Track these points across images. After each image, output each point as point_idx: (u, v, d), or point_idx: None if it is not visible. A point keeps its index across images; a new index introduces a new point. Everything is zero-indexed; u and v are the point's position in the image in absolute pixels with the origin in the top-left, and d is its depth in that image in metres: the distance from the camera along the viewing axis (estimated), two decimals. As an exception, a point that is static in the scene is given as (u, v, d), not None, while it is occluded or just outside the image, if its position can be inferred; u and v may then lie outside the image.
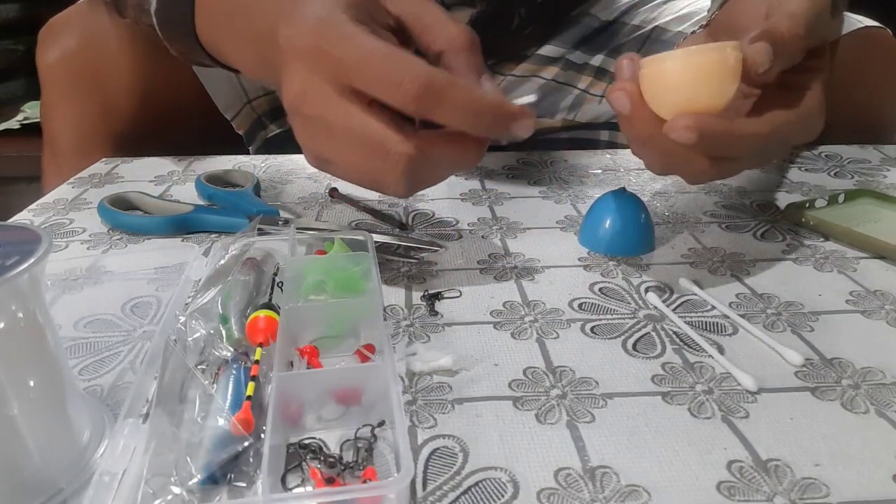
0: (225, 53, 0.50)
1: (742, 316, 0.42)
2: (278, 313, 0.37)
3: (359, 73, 0.36)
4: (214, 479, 0.29)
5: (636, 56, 0.41)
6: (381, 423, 0.33)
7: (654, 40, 0.78)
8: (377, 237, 0.49)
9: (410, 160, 0.37)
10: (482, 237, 0.54)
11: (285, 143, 0.84)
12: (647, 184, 0.64)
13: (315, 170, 0.68)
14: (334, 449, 0.32)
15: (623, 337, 0.41)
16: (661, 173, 0.47)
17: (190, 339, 0.37)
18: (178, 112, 0.75)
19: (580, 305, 0.44)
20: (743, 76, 0.39)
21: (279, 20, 0.39)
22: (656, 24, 0.79)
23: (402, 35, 0.41)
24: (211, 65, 0.55)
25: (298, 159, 0.72)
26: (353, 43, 0.36)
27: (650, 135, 0.41)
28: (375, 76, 0.36)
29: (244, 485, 0.30)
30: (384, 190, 0.40)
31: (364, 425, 0.32)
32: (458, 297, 0.45)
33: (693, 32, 0.51)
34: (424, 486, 0.30)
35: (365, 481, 0.29)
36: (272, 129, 0.86)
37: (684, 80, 0.38)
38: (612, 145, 0.82)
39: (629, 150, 0.75)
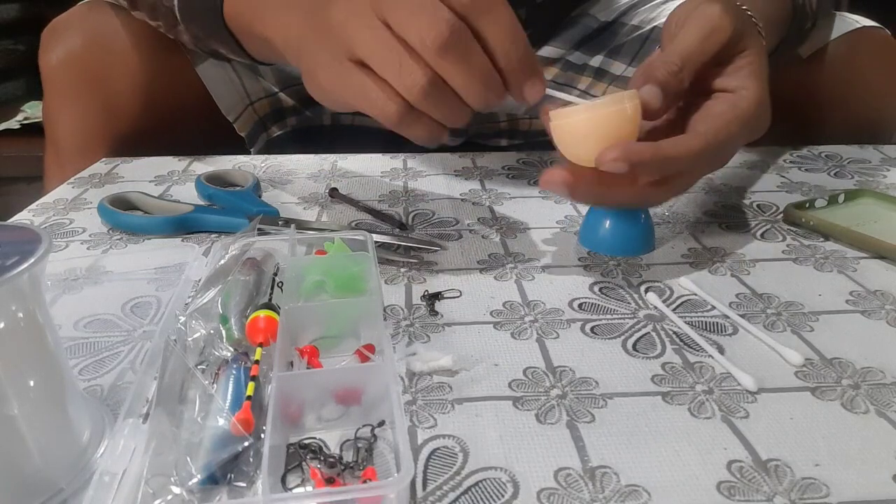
0: (261, 22, 0.51)
1: (742, 316, 0.42)
2: (278, 313, 0.37)
3: (388, 8, 0.38)
4: (214, 479, 0.29)
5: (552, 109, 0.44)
6: (381, 423, 0.33)
7: (653, 40, 0.78)
8: (377, 237, 0.49)
9: (452, 28, 0.38)
10: (482, 237, 0.54)
11: (286, 145, 0.84)
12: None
13: (315, 170, 0.68)
14: (334, 449, 0.32)
15: (623, 337, 0.41)
16: (610, 206, 0.50)
17: (190, 339, 0.37)
18: (180, 113, 0.75)
19: (580, 305, 0.44)
20: (646, 114, 0.43)
21: None
22: (655, 24, 0.79)
23: None
24: (226, 50, 0.56)
25: (298, 159, 0.72)
26: None
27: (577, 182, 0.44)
28: (406, 9, 0.38)
29: (244, 485, 0.30)
30: (405, 76, 0.39)
31: (364, 425, 0.32)
32: (458, 297, 0.45)
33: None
34: (424, 486, 0.30)
35: (365, 481, 0.29)
36: (274, 132, 0.86)
37: (589, 131, 0.42)
38: None
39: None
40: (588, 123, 0.42)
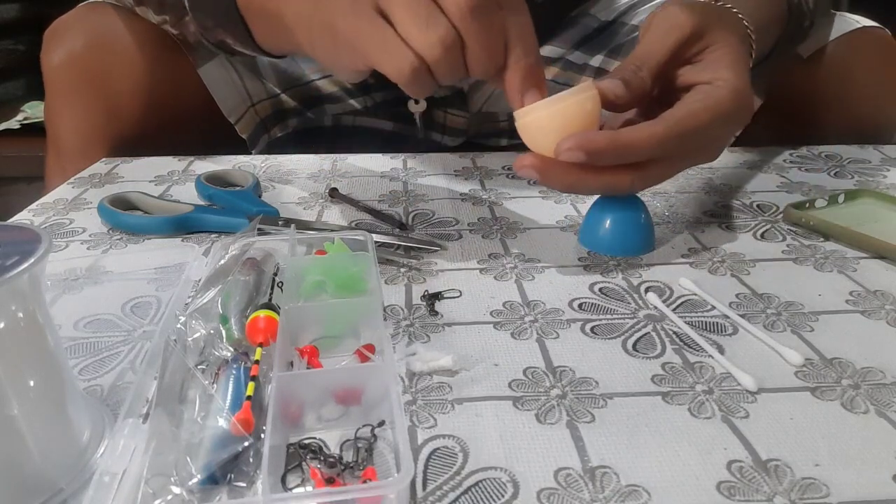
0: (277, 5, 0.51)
1: (742, 316, 0.42)
2: (278, 313, 0.37)
3: None
4: (214, 479, 0.29)
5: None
6: (381, 423, 0.33)
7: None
8: (377, 237, 0.49)
9: (443, 43, 0.40)
10: (482, 237, 0.54)
11: (287, 147, 0.84)
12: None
13: (315, 170, 0.68)
14: (334, 449, 0.32)
15: (623, 337, 0.41)
16: (585, 193, 0.51)
17: (190, 339, 0.37)
18: (181, 114, 0.75)
19: (580, 305, 0.44)
20: (606, 103, 0.45)
21: None
22: (656, 24, 0.79)
23: None
24: (233, 40, 0.56)
25: (298, 159, 0.72)
26: None
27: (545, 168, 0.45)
28: None
29: (244, 485, 0.30)
30: (430, 29, 0.40)
31: (364, 425, 0.32)
32: (458, 297, 0.45)
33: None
34: (424, 486, 0.30)
35: (365, 481, 0.29)
36: (275, 133, 0.86)
37: (552, 124, 0.43)
38: None
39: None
40: (549, 118, 0.43)
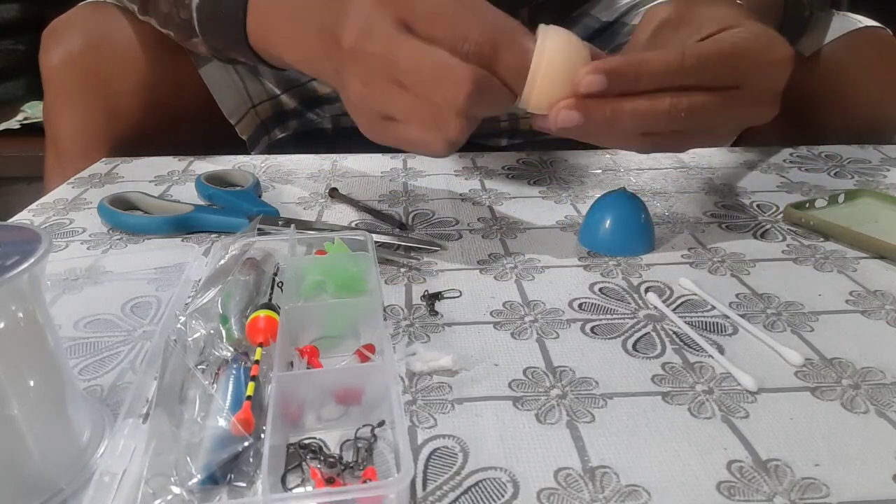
0: (279, 46, 0.53)
1: (742, 316, 0.42)
2: (278, 313, 0.37)
3: (427, 18, 0.39)
4: (214, 479, 0.29)
5: None
6: (381, 423, 0.33)
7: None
8: (377, 237, 0.49)
9: (475, 82, 0.39)
10: (482, 237, 0.54)
11: (288, 148, 0.84)
12: (647, 184, 0.64)
13: (315, 170, 0.68)
14: (334, 449, 0.32)
15: (623, 337, 0.41)
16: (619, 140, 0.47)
17: (190, 339, 0.37)
18: (181, 114, 0.75)
19: (580, 305, 0.44)
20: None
21: (339, 7, 0.43)
22: (656, 23, 0.79)
23: None
24: (247, 61, 0.57)
25: (298, 159, 0.72)
26: (404, 50, 0.39)
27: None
28: (443, 24, 0.39)
29: (244, 485, 0.30)
30: (442, 131, 0.41)
31: (364, 425, 0.32)
32: (458, 297, 0.45)
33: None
34: (424, 486, 0.30)
35: (365, 481, 0.29)
36: (276, 135, 0.86)
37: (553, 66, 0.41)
38: None
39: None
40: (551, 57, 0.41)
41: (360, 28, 0.41)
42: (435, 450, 0.32)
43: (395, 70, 0.40)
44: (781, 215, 0.57)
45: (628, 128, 0.43)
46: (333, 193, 0.62)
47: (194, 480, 0.29)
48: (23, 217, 0.58)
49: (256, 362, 0.34)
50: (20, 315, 0.28)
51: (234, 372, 0.34)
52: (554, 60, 0.41)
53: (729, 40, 0.42)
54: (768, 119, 0.45)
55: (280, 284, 0.42)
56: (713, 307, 0.44)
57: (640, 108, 0.42)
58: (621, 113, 0.42)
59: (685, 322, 0.42)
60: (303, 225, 0.53)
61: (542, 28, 0.42)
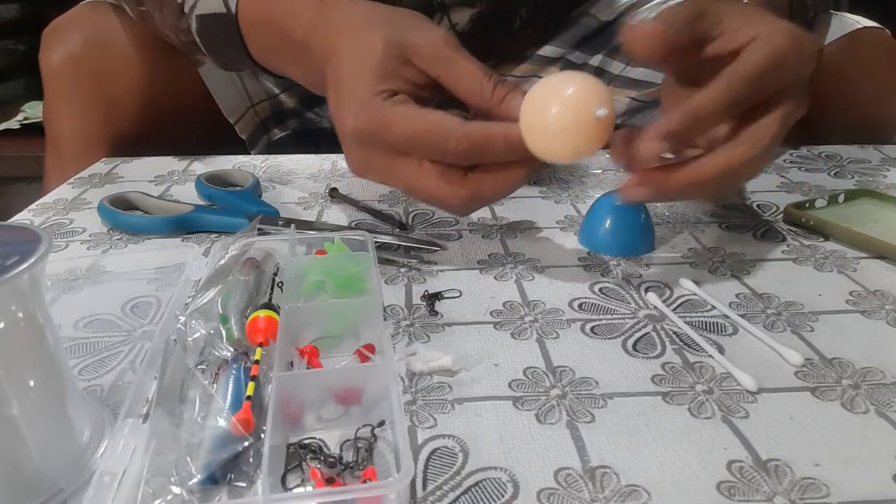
0: (281, 68, 0.55)
1: (742, 316, 0.42)
2: (278, 313, 0.37)
3: (409, 149, 0.42)
4: (214, 479, 0.29)
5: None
6: (381, 423, 0.33)
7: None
8: (377, 237, 0.49)
9: (463, 207, 0.44)
10: (482, 237, 0.54)
11: (287, 148, 0.84)
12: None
13: (315, 170, 0.68)
14: (334, 449, 0.32)
15: (623, 337, 0.41)
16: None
17: (190, 339, 0.37)
18: (181, 114, 0.75)
19: (580, 305, 0.44)
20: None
21: (326, 83, 0.46)
22: (656, 23, 0.79)
23: (434, 85, 0.44)
24: (258, 74, 0.60)
25: (298, 159, 0.72)
26: (396, 127, 0.41)
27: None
28: (423, 149, 0.42)
29: (244, 485, 0.30)
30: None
31: (364, 425, 0.32)
32: (458, 297, 0.45)
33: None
34: (424, 486, 0.30)
35: (365, 481, 0.29)
36: (275, 134, 0.86)
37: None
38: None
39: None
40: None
41: (358, 164, 0.45)
42: (435, 450, 0.32)
43: (396, 185, 0.44)
44: (781, 215, 0.57)
45: (706, 193, 0.45)
46: (333, 193, 0.62)
47: (194, 480, 0.29)
48: (23, 217, 0.58)
49: (256, 362, 0.34)
50: (20, 315, 0.28)
51: (234, 372, 0.34)
52: (544, 114, 0.39)
53: (764, 52, 0.41)
54: (804, 113, 0.44)
55: (280, 284, 0.42)
56: (713, 307, 0.44)
57: (709, 171, 0.41)
58: (695, 182, 0.41)
59: (685, 322, 0.42)
60: (303, 225, 0.53)
61: (529, 90, 0.41)
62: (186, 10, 0.57)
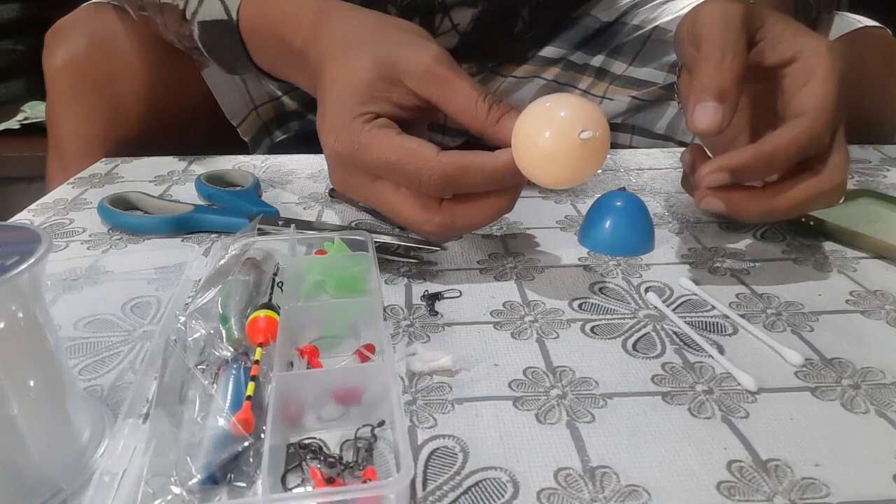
0: (285, 78, 0.56)
1: (742, 316, 0.42)
2: (278, 313, 0.37)
3: (384, 174, 0.42)
4: (214, 479, 0.29)
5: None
6: (381, 423, 0.33)
7: (654, 40, 0.78)
8: (377, 237, 0.49)
9: (437, 234, 0.43)
10: (482, 237, 0.54)
11: (289, 150, 0.84)
12: (647, 184, 0.64)
13: (315, 170, 0.68)
14: (334, 449, 0.32)
15: (623, 337, 0.41)
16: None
17: (190, 339, 0.37)
18: (184, 116, 0.75)
19: (580, 305, 0.44)
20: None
21: (318, 97, 0.45)
22: (657, 24, 0.79)
23: (425, 106, 0.44)
24: (264, 80, 0.61)
25: (298, 159, 0.72)
26: (371, 152, 0.41)
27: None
28: (397, 177, 0.41)
29: (244, 485, 0.30)
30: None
31: (364, 425, 0.32)
32: (458, 297, 0.45)
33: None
34: (424, 486, 0.30)
35: (365, 481, 0.29)
36: (277, 136, 0.86)
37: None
38: (612, 146, 0.82)
39: (629, 149, 0.75)
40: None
41: (339, 182, 0.46)
42: (435, 450, 0.32)
43: (374, 205, 0.45)
44: (781, 215, 0.57)
45: (782, 218, 0.44)
46: (333, 193, 0.61)
47: (194, 480, 0.29)
48: (23, 217, 0.58)
49: (256, 362, 0.34)
50: (20, 315, 0.28)
51: (234, 372, 0.34)
52: (535, 138, 0.39)
53: (830, 78, 0.42)
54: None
55: (280, 284, 0.42)
56: (713, 307, 0.44)
57: (794, 200, 0.42)
58: (781, 208, 0.42)
59: (685, 322, 0.42)
60: (303, 225, 0.53)
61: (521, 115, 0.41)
62: (188, 16, 0.57)
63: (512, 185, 0.42)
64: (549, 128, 0.38)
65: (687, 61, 0.45)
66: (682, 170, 0.67)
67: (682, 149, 0.73)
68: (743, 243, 0.52)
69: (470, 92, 0.42)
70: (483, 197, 0.42)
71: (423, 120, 0.46)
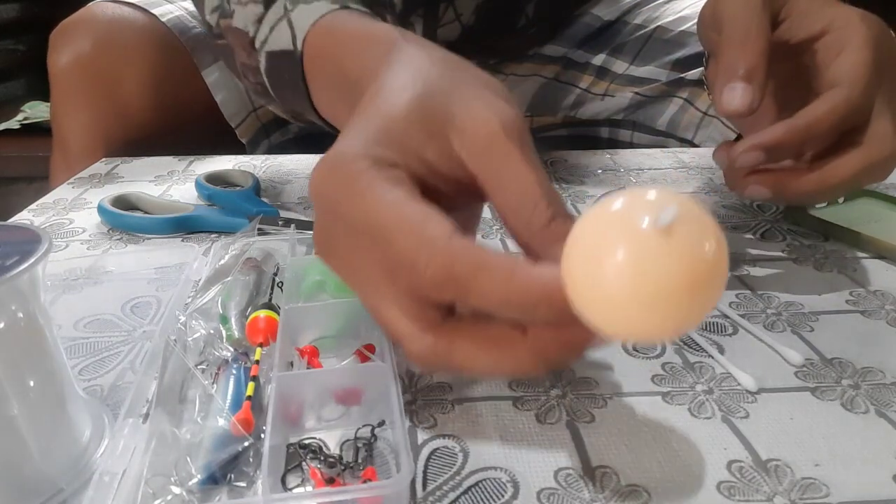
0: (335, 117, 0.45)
1: (742, 316, 0.42)
2: (278, 313, 0.37)
3: (370, 243, 0.29)
4: (214, 479, 0.29)
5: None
6: (381, 423, 0.33)
7: (655, 40, 0.78)
8: (377, 237, 0.49)
9: (424, 360, 0.30)
10: (482, 237, 0.54)
11: (288, 152, 0.84)
12: (647, 184, 0.64)
13: (315, 170, 0.68)
14: (334, 449, 0.32)
15: (623, 337, 0.41)
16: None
17: (190, 339, 0.37)
18: (188, 116, 0.75)
19: (580, 305, 0.44)
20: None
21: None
22: (658, 23, 0.79)
23: (463, 184, 0.31)
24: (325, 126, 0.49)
25: (298, 159, 0.72)
26: (363, 205, 0.28)
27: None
28: (384, 251, 0.28)
29: (244, 485, 0.30)
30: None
31: (364, 425, 0.32)
32: (458, 297, 0.45)
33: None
34: (424, 486, 0.30)
35: (365, 481, 0.29)
36: (276, 138, 0.86)
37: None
38: (613, 143, 0.82)
39: (629, 149, 0.75)
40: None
41: (318, 239, 0.32)
42: (435, 450, 0.32)
43: (355, 290, 0.31)
44: (781, 215, 0.57)
45: (831, 196, 0.43)
46: (333, 193, 0.61)
47: (194, 480, 0.29)
48: (23, 217, 0.58)
49: (256, 362, 0.34)
50: (20, 315, 0.28)
51: (234, 372, 0.34)
52: (600, 264, 0.24)
53: (866, 45, 0.40)
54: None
55: (280, 284, 0.42)
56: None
57: (843, 174, 0.40)
58: (830, 185, 0.40)
59: (685, 322, 0.42)
60: (303, 225, 0.53)
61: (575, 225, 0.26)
62: (258, 45, 0.46)
63: (549, 322, 0.27)
64: (625, 239, 0.23)
65: (711, 48, 0.44)
66: (682, 170, 0.67)
67: (683, 148, 0.73)
68: (743, 243, 0.52)
69: (532, 185, 0.29)
70: (506, 332, 0.28)
71: (461, 205, 0.32)
